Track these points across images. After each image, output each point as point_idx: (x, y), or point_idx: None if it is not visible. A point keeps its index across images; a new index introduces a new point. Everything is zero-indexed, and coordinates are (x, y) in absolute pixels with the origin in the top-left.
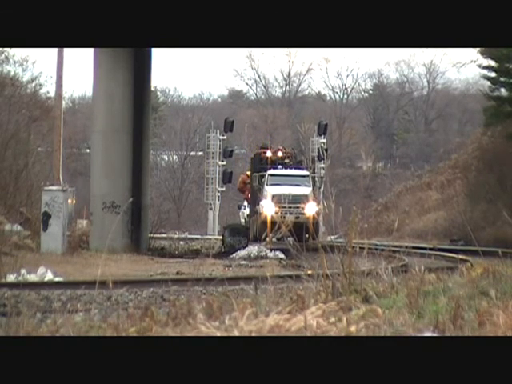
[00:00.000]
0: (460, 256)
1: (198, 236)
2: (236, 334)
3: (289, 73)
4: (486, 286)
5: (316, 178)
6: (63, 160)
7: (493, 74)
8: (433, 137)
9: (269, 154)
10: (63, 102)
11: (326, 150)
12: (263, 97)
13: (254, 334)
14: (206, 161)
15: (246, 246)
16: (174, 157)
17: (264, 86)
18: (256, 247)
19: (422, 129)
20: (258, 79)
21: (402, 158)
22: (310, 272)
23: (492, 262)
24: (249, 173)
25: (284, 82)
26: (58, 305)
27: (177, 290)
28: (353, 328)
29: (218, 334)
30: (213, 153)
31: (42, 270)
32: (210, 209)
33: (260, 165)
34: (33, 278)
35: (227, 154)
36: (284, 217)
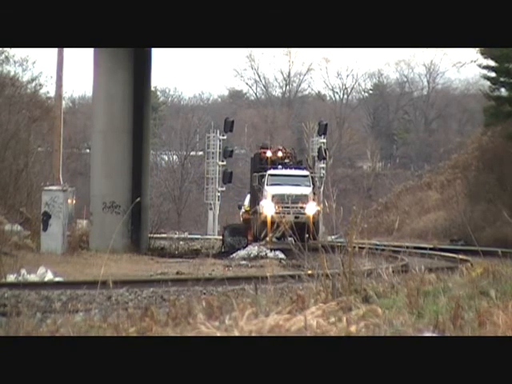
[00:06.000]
0: (460, 256)
1: (198, 236)
2: (236, 334)
3: (289, 73)
4: (485, 285)
5: (316, 178)
6: (63, 160)
7: (493, 74)
8: (433, 137)
9: (269, 154)
10: (63, 102)
11: (327, 150)
12: (263, 97)
13: (253, 334)
14: (206, 161)
15: (246, 245)
16: (174, 157)
17: (264, 86)
18: (256, 247)
19: (421, 129)
20: (257, 79)
21: (402, 157)
22: (310, 272)
23: (492, 262)
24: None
25: (284, 82)
26: (58, 305)
27: (177, 290)
28: (353, 328)
29: (218, 334)
30: (213, 153)
31: (42, 269)
32: (210, 209)
33: (260, 165)
34: (33, 278)
35: (227, 154)
36: (284, 217)
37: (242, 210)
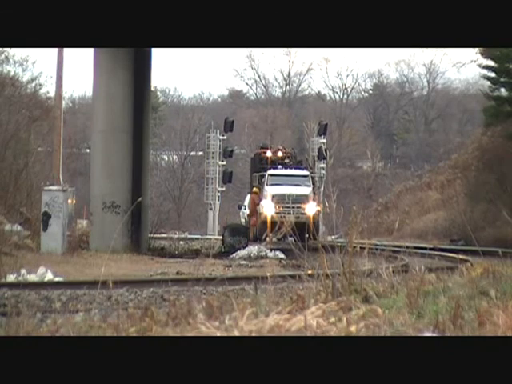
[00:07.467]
0: (460, 256)
1: (198, 236)
2: (236, 334)
3: (289, 73)
4: (486, 285)
5: (316, 178)
6: (63, 160)
7: (493, 74)
8: (433, 137)
9: (269, 154)
10: (63, 102)
11: (327, 150)
12: (263, 97)
13: (253, 334)
14: (206, 161)
15: (246, 245)
16: (174, 157)
17: (264, 86)
18: (256, 247)
19: (421, 129)
20: (258, 79)
21: (402, 157)
22: (310, 272)
23: (492, 262)
24: (255, 189)
25: (284, 82)
26: (58, 305)
27: (177, 290)
28: (353, 328)
29: (218, 334)
30: (213, 153)
31: (42, 270)
32: (210, 209)
33: (260, 165)
34: (33, 277)
35: (227, 154)
36: (284, 217)
37: (244, 211)
